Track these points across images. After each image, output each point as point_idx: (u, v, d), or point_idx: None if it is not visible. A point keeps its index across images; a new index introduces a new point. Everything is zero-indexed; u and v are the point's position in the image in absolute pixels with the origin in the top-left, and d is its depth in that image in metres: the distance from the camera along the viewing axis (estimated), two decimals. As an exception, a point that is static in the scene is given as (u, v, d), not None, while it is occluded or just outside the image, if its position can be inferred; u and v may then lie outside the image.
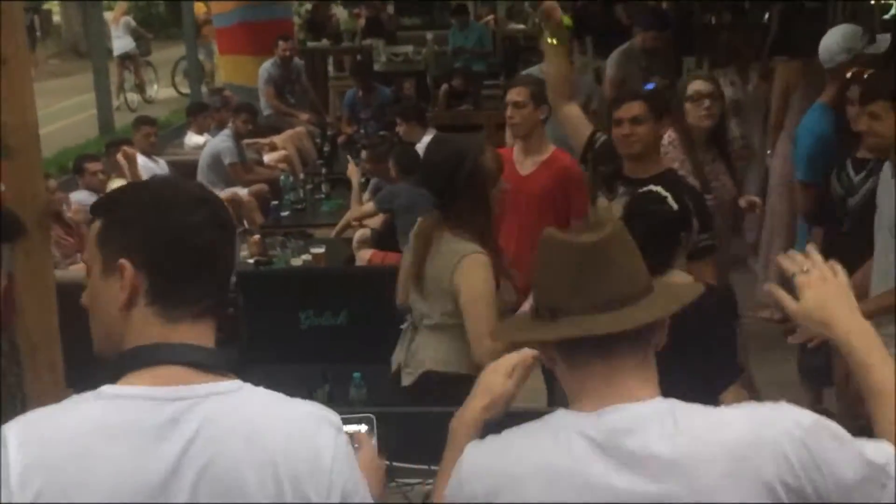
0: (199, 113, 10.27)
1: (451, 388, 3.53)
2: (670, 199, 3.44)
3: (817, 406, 4.99)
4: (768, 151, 6.73)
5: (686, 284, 1.84)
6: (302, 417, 1.65)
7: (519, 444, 1.76)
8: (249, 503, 1.55)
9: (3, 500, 1.48)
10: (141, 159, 8.10)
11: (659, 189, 3.46)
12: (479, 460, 1.80)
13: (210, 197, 1.74)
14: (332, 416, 1.68)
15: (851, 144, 4.59)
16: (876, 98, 3.84)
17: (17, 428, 1.54)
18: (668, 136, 4.71)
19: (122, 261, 1.63)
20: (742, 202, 4.78)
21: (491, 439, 1.82)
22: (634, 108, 4.10)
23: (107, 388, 1.59)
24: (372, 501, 1.72)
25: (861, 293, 3.84)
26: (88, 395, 1.58)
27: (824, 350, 3.81)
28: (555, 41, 4.36)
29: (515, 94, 4.81)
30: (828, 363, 4.68)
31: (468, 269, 3.47)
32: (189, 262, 1.65)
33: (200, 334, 1.66)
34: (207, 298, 1.68)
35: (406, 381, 3.68)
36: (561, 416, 1.75)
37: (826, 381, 5.01)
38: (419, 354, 3.67)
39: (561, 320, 1.73)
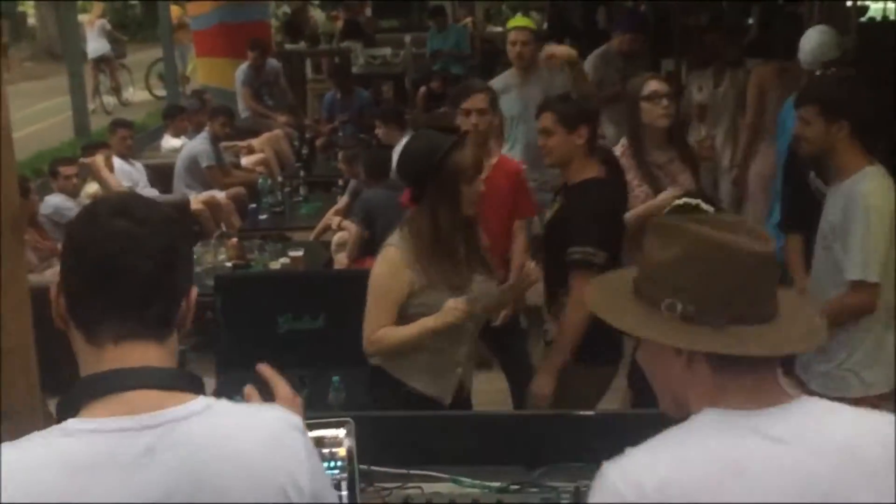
0: (175, 116, 10.23)
1: (384, 383, 3.62)
2: (703, 205, 3.53)
3: None
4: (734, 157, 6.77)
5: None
6: (272, 425, 1.61)
7: (689, 448, 1.62)
8: None
9: None
10: (117, 162, 8.06)
11: (688, 200, 3.53)
12: (642, 476, 1.59)
13: (134, 210, 1.60)
14: (295, 419, 1.65)
15: None
16: (806, 103, 3.85)
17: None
18: (621, 144, 4.73)
19: (52, 286, 1.61)
20: None
21: (638, 452, 1.63)
22: (544, 119, 4.10)
23: (72, 424, 1.51)
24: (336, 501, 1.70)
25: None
26: (55, 431, 1.51)
27: None
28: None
29: (480, 102, 4.81)
30: None
31: (377, 262, 3.58)
32: (89, 277, 1.56)
33: (135, 356, 1.56)
34: (122, 319, 1.56)
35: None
36: (721, 416, 1.65)
37: None
38: None
39: (730, 329, 1.65)
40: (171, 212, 1.69)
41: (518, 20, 6.58)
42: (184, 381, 1.59)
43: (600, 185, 4.03)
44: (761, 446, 1.59)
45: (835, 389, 3.78)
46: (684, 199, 3.67)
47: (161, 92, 18.22)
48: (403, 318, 3.53)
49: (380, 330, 3.52)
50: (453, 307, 3.43)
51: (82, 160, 7.60)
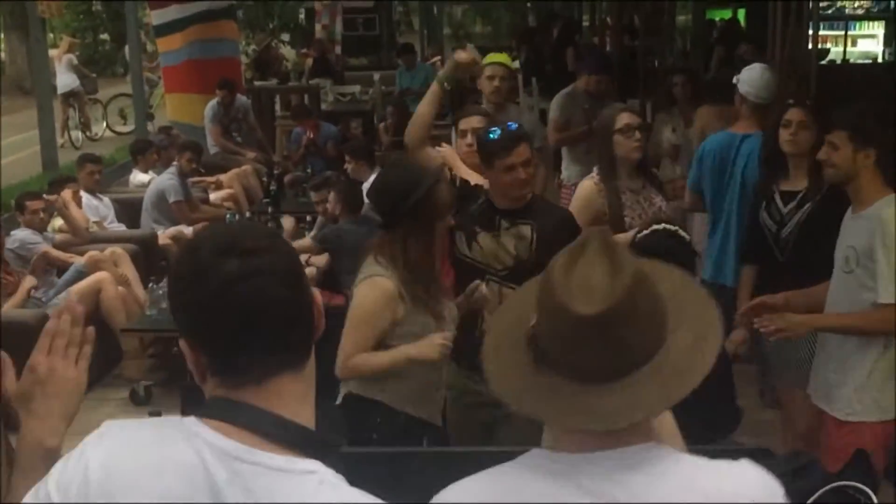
0: (144, 151, 10.21)
1: (367, 414, 3.60)
2: (681, 231, 3.58)
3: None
4: None
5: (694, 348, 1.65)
6: None
7: (509, 483, 1.65)
8: None
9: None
10: (85, 197, 8.05)
11: (667, 225, 3.57)
12: (469, 498, 1.68)
13: (240, 243, 1.51)
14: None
15: (777, 177, 4.71)
16: (836, 128, 3.93)
17: (100, 447, 1.51)
18: (593, 175, 4.78)
19: (181, 342, 1.57)
20: None
21: (472, 480, 1.70)
22: (525, 151, 4.06)
23: (193, 425, 1.51)
24: None
25: (814, 308, 3.99)
26: (175, 423, 1.53)
27: None
28: (446, 84, 4.60)
29: (476, 122, 4.84)
30: None
31: (361, 288, 3.54)
32: (229, 326, 1.48)
33: (272, 399, 1.50)
34: (268, 357, 1.51)
35: (338, 399, 3.72)
36: (542, 458, 1.66)
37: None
38: None
39: (555, 380, 1.63)
40: (264, 227, 1.65)
41: (496, 56, 6.66)
42: (299, 437, 1.51)
43: None
44: (568, 493, 1.59)
45: (858, 414, 3.85)
46: (664, 225, 3.69)
47: (123, 128, 18.25)
48: (382, 347, 3.55)
49: (357, 356, 3.51)
50: (440, 343, 3.46)
51: (46, 197, 7.57)
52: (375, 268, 3.53)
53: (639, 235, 3.67)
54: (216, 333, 1.50)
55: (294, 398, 1.53)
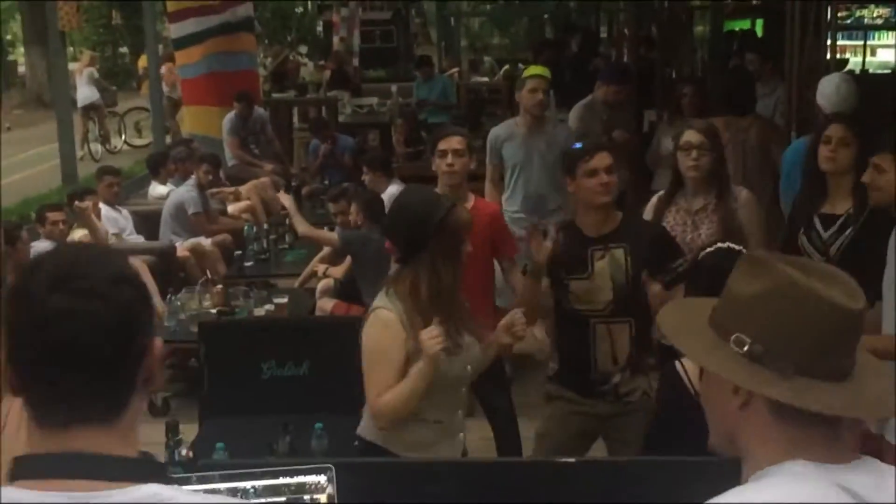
0: (161, 163, 10.25)
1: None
2: (745, 251, 3.50)
3: None
4: None
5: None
6: None
7: (780, 497, 1.58)
8: None
9: None
10: (104, 209, 8.09)
11: (731, 244, 3.53)
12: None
13: (76, 276, 1.44)
14: None
15: (816, 202, 4.58)
16: (881, 150, 3.88)
17: None
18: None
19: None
20: None
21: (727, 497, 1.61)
22: (606, 158, 4.14)
23: (6, 492, 1.42)
24: None
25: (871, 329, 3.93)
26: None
27: None
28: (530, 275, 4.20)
29: (457, 143, 4.82)
30: None
31: (367, 326, 3.44)
32: (38, 361, 1.43)
33: (100, 440, 1.45)
34: (73, 405, 1.44)
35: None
36: (805, 468, 1.60)
37: None
38: (363, 419, 3.63)
39: (796, 379, 1.61)
40: (119, 267, 1.50)
41: (536, 69, 6.67)
42: (137, 471, 1.46)
43: None
44: (845, 501, 1.56)
45: None
46: (728, 244, 3.58)
47: (139, 141, 18.39)
48: None
49: (384, 395, 3.38)
50: (428, 338, 3.31)
51: (77, 204, 7.61)
52: (382, 300, 3.45)
53: (703, 253, 3.60)
54: (27, 366, 1.44)
55: (105, 446, 1.46)
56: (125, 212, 8.82)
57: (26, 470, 1.43)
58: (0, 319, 1.46)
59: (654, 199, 4.85)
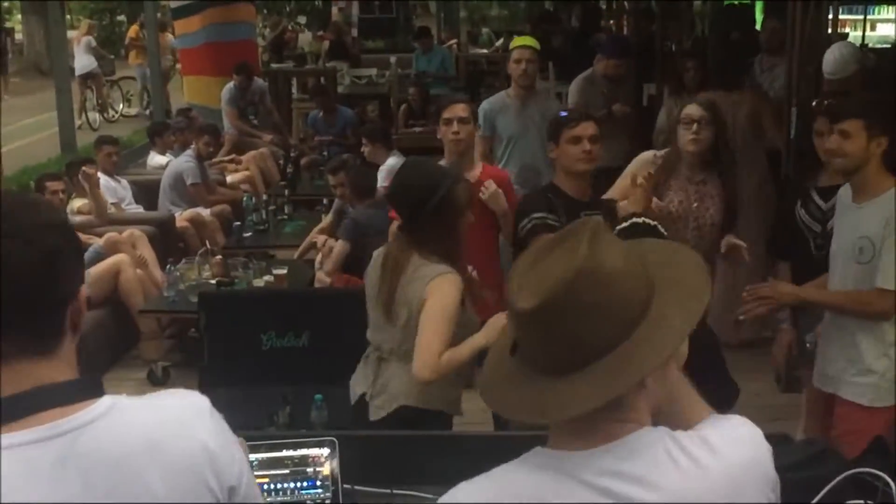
0: (160, 133, 10.24)
1: (427, 426, 3.51)
2: (660, 227, 3.53)
3: None
4: None
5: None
6: (177, 412, 1.58)
7: (515, 483, 1.63)
8: None
9: None
10: (103, 179, 8.07)
11: (644, 219, 3.55)
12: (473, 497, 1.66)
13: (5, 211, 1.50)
14: (200, 401, 1.60)
15: (810, 176, 4.66)
16: (849, 117, 3.87)
17: None
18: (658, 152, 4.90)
19: None
20: (723, 244, 4.68)
21: (477, 480, 1.67)
22: (591, 127, 4.23)
23: None
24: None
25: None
26: None
27: None
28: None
29: (461, 111, 4.85)
30: None
31: (437, 286, 3.45)
32: None
33: (41, 370, 1.50)
34: (17, 333, 1.48)
35: (376, 415, 3.61)
36: (543, 457, 1.64)
37: None
38: (391, 387, 3.60)
39: (535, 376, 1.62)
40: (49, 215, 1.55)
41: (523, 39, 6.65)
42: (83, 391, 1.52)
43: None
44: (570, 490, 1.57)
45: (882, 399, 3.82)
46: (643, 219, 3.64)
47: (128, 110, 18.38)
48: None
49: (443, 354, 3.41)
50: (503, 322, 3.38)
51: (85, 170, 7.58)
52: (436, 267, 3.49)
53: (618, 228, 3.63)
54: None
55: (47, 377, 1.50)
56: (124, 181, 8.80)
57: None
58: None
59: (649, 155, 4.88)
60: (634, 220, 3.58)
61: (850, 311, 3.88)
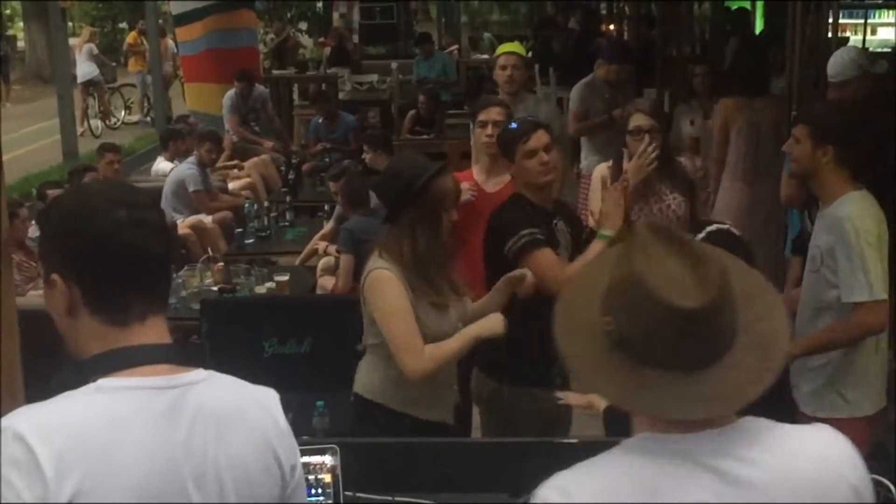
0: (174, 138, 10.20)
1: (373, 416, 3.56)
2: (735, 230, 3.55)
3: None
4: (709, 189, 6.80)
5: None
6: (260, 393, 1.85)
7: (627, 467, 1.65)
8: (252, 475, 1.74)
9: (37, 493, 1.51)
10: (104, 186, 8.07)
11: (725, 225, 3.55)
12: (573, 492, 1.65)
13: (129, 198, 1.75)
14: (274, 394, 1.87)
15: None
16: (799, 122, 3.95)
17: (24, 421, 1.57)
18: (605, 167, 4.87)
19: (53, 276, 1.72)
20: None
21: (583, 466, 1.69)
22: (544, 136, 4.07)
23: (105, 382, 1.66)
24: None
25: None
26: (89, 389, 1.65)
27: None
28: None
29: (496, 114, 4.81)
30: None
31: (371, 285, 3.48)
32: (113, 266, 1.70)
33: (155, 333, 1.74)
34: (147, 298, 1.73)
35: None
36: (650, 441, 1.67)
37: None
38: (357, 375, 3.72)
39: (642, 369, 1.64)
40: (142, 190, 1.88)
41: (508, 46, 6.67)
42: (183, 356, 1.77)
43: None
44: (689, 471, 1.61)
45: (821, 410, 3.83)
46: (716, 226, 3.61)
47: (129, 117, 18.45)
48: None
49: (427, 348, 3.42)
50: (502, 319, 3.45)
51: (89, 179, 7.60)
52: (376, 261, 3.51)
53: (701, 234, 3.58)
54: (101, 271, 1.70)
55: (166, 332, 1.78)
56: (126, 189, 8.80)
57: (114, 363, 1.69)
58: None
59: (604, 168, 4.88)
60: (709, 229, 3.54)
61: (845, 341, 3.84)
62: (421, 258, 3.48)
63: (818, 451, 1.68)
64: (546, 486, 1.67)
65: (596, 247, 3.91)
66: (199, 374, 1.75)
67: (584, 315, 1.72)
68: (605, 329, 1.68)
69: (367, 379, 3.66)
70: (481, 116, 4.86)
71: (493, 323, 3.47)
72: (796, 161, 3.92)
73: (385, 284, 3.46)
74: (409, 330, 3.42)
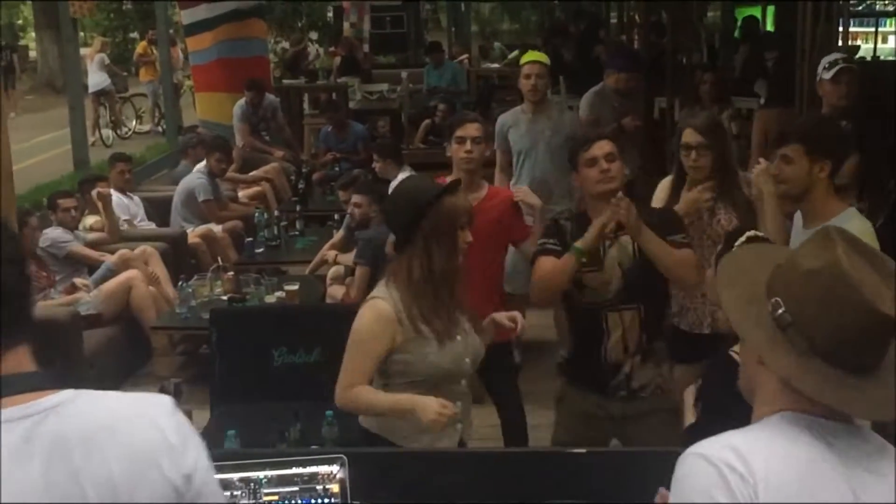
0: (194, 146, 10.17)
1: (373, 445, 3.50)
2: (767, 236, 3.56)
3: None
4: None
5: None
6: (140, 404, 1.68)
7: (776, 440, 1.72)
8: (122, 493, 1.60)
9: None
10: (115, 196, 8.11)
11: (756, 232, 3.53)
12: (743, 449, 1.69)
13: None
14: (165, 400, 1.70)
15: None
16: (790, 141, 3.82)
17: None
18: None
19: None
20: None
21: (727, 436, 1.73)
22: (606, 145, 4.01)
23: None
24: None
25: None
26: None
27: None
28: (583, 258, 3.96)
29: (474, 130, 4.82)
30: None
31: (362, 311, 3.44)
32: None
33: (15, 363, 1.63)
34: (3, 332, 1.63)
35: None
36: (798, 419, 1.73)
37: None
38: None
39: (810, 358, 1.71)
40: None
41: (533, 55, 6.70)
42: (48, 381, 1.64)
43: None
44: (825, 452, 1.69)
45: None
46: (753, 232, 3.54)
47: (141, 127, 18.53)
48: (382, 373, 3.45)
49: (356, 387, 3.40)
50: (439, 412, 3.22)
51: (100, 191, 7.64)
52: (381, 290, 3.44)
53: (737, 244, 3.55)
54: None
55: (29, 359, 1.65)
56: (136, 198, 8.84)
57: None
58: None
59: (662, 185, 4.85)
60: (748, 234, 3.52)
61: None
62: (434, 280, 3.38)
63: None
64: (717, 445, 1.70)
65: (568, 259, 3.89)
66: (64, 395, 1.62)
67: (749, 289, 1.80)
68: (770, 311, 1.74)
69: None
70: (458, 132, 4.85)
71: (425, 414, 3.24)
72: (787, 182, 3.82)
73: (369, 315, 3.40)
74: (357, 367, 3.41)
